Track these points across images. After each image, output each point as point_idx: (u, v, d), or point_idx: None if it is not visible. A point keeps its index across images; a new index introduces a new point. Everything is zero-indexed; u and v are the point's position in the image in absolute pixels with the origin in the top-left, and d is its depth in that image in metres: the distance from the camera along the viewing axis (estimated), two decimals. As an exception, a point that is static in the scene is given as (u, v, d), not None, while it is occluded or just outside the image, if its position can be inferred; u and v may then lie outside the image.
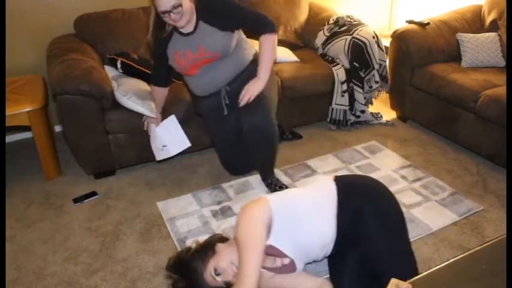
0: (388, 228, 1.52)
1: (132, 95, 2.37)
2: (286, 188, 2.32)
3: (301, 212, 1.54)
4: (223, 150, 2.42)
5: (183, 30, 1.96)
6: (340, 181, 1.63)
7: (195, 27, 1.95)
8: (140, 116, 2.42)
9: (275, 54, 2.08)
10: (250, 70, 2.08)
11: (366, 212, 1.51)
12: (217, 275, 1.51)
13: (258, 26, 2.00)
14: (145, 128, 2.43)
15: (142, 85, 2.54)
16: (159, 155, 2.43)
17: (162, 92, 2.32)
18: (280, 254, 1.53)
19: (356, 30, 2.93)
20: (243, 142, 2.13)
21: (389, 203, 1.58)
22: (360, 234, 1.52)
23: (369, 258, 1.52)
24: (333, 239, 1.54)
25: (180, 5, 1.80)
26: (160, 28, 1.95)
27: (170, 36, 1.99)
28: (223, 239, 1.68)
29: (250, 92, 1.99)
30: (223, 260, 1.51)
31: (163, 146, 2.40)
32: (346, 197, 1.56)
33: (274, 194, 1.63)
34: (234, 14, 1.95)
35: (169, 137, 2.40)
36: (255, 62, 2.09)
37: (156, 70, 2.22)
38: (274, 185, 2.32)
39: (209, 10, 1.93)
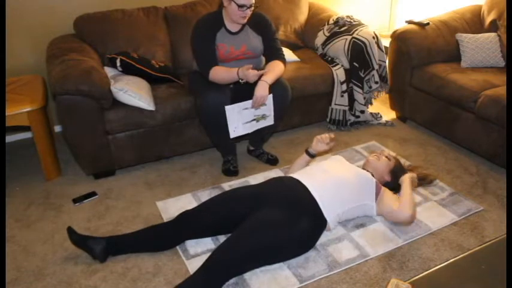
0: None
1: (128, 89, 2.37)
2: (276, 158, 2.69)
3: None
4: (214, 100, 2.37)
5: (231, 29, 2.36)
6: None
7: (241, 29, 2.38)
8: (140, 112, 2.42)
9: (279, 75, 2.39)
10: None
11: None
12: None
13: (276, 53, 2.47)
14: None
15: (139, 80, 2.54)
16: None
17: (221, 67, 2.36)
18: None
19: (356, 30, 2.93)
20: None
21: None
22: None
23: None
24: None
25: (252, 6, 2.26)
26: (218, 18, 2.35)
27: (218, 29, 2.36)
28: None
29: (262, 97, 2.25)
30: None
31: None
32: None
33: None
34: (270, 34, 2.46)
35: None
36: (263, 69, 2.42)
37: (209, 53, 2.35)
38: (267, 154, 2.69)
39: (259, 22, 2.42)
